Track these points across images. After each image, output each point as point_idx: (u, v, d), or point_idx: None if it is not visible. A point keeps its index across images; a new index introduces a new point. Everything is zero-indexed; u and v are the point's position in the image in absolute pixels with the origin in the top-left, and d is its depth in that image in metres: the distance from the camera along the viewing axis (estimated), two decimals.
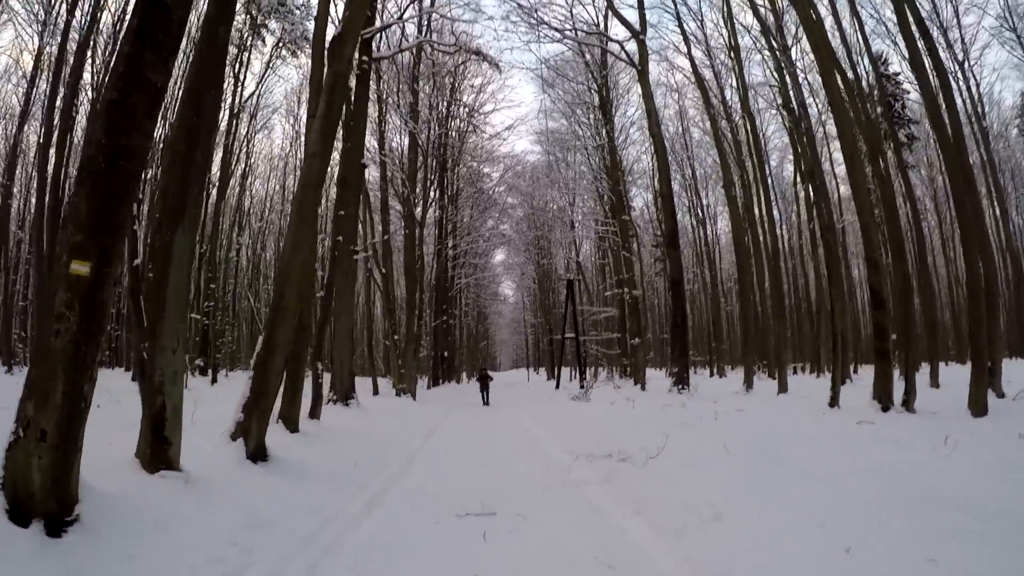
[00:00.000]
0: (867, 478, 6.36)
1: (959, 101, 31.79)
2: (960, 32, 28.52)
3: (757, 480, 6.39)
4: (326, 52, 8.15)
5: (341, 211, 13.43)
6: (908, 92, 35.65)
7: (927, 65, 15.00)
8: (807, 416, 13.00)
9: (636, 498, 6.05)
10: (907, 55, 28.70)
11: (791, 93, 23.48)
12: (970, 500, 5.38)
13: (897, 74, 33.37)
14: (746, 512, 5.27)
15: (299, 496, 5.95)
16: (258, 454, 6.75)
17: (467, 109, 36.10)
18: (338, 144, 14.49)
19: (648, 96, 23.22)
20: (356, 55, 15.68)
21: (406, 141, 29.22)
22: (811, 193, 33.97)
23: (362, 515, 5.62)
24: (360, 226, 26.24)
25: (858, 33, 23.74)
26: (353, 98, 16.24)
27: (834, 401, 14.25)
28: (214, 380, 26.38)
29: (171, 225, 5.49)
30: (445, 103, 34.38)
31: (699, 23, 29.77)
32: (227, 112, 33.19)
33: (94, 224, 3.90)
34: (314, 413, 11.05)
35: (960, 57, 27.97)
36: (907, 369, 13.73)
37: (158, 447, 5.36)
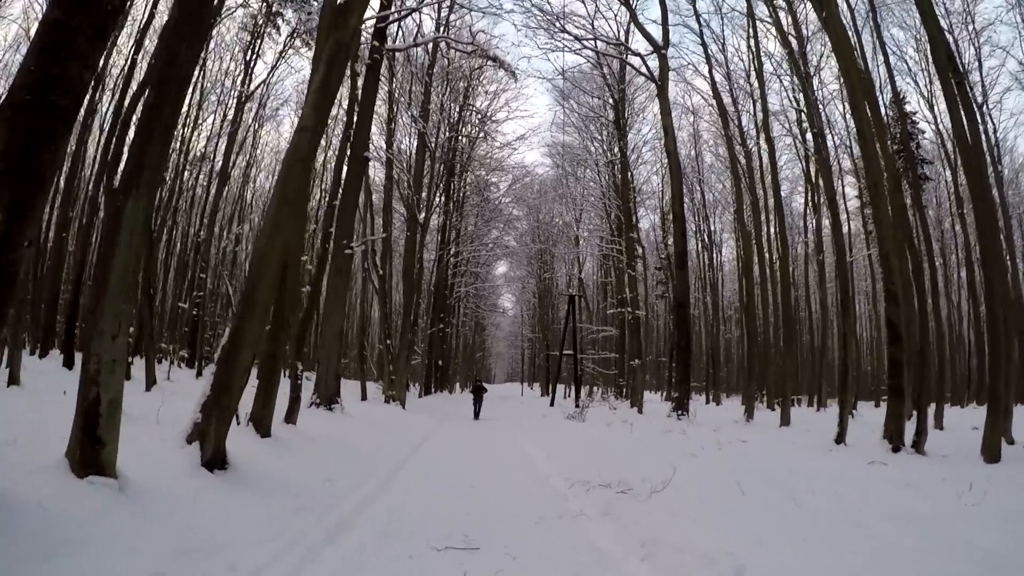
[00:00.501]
0: (897, 527, 5.65)
1: (984, 141, 31.39)
2: (981, 75, 28.16)
3: (776, 525, 5.62)
4: (329, 19, 7.42)
5: (335, 202, 12.65)
6: (923, 131, 35.25)
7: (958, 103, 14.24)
8: (815, 452, 12.35)
9: (641, 539, 5.25)
10: (923, 93, 28.36)
11: (811, 120, 22.77)
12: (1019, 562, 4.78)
13: (914, 112, 32.92)
14: (771, 566, 4.50)
15: (255, 516, 5.13)
16: (215, 461, 5.94)
17: (479, 115, 35.49)
18: (339, 131, 13.82)
19: (666, 112, 22.60)
20: (370, 41, 15.08)
21: (414, 144, 28.61)
22: (824, 223, 33.55)
23: (324, 543, 4.80)
24: (361, 225, 25.59)
25: (881, 67, 23.26)
26: (362, 87, 15.59)
27: (841, 438, 13.70)
28: (199, 373, 25.47)
29: (125, 189, 4.74)
30: (458, 107, 33.76)
31: (720, 46, 29.28)
32: (235, 100, 32.70)
33: (8, 168, 3.14)
34: (290, 417, 10.17)
35: (979, 100, 27.54)
36: (919, 409, 13.09)
37: (89, 448, 4.58)
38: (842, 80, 25.90)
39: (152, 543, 4.04)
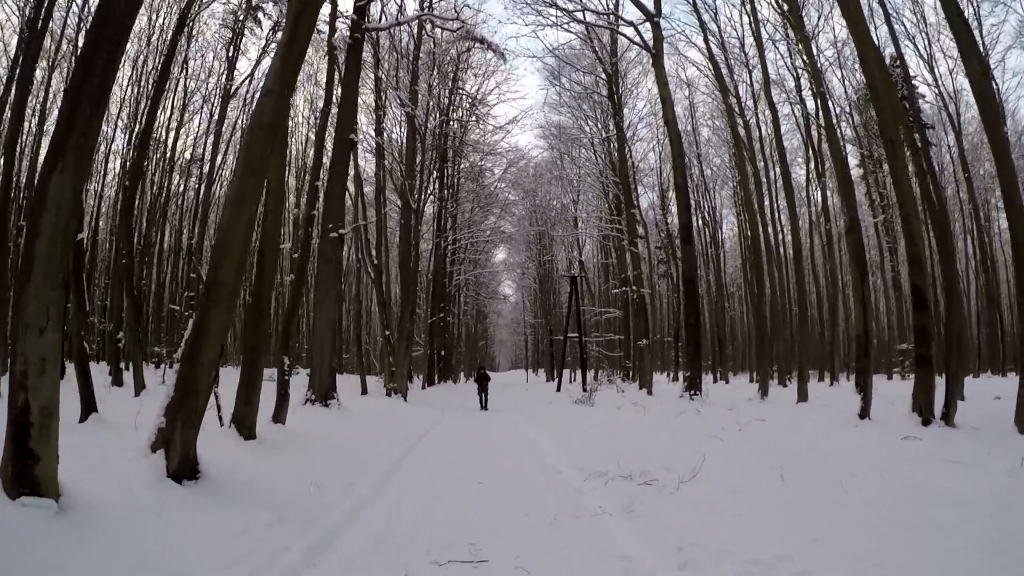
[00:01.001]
0: (959, 513, 4.94)
1: (978, 105, 30.78)
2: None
3: (828, 517, 4.89)
4: None
5: (316, 182, 11.83)
6: (923, 96, 34.43)
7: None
8: (841, 429, 11.65)
9: (676, 542, 4.53)
10: (922, 55, 27.65)
11: (815, 79, 21.89)
12: None
13: (914, 76, 32.14)
14: (838, 572, 3.77)
15: (224, 533, 4.38)
16: (183, 471, 5.19)
17: (469, 99, 34.63)
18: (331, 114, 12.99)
19: (663, 82, 21.73)
20: (351, 18, 14.28)
21: (405, 131, 27.84)
22: (828, 194, 32.80)
23: (304, 563, 4.07)
24: (351, 216, 24.84)
25: (881, 27, 22.38)
26: (344, 68, 14.79)
27: (865, 412, 12.87)
28: None
29: (51, 161, 4.00)
30: (447, 91, 32.88)
31: (712, 15, 28.41)
32: (219, 96, 31.88)
33: None
34: (278, 416, 9.36)
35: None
36: (949, 379, 12.33)
37: (21, 463, 3.85)
38: (846, 36, 25.18)
39: (89, 574, 3.33)
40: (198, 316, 5.45)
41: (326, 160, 14.05)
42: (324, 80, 18.81)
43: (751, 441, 9.41)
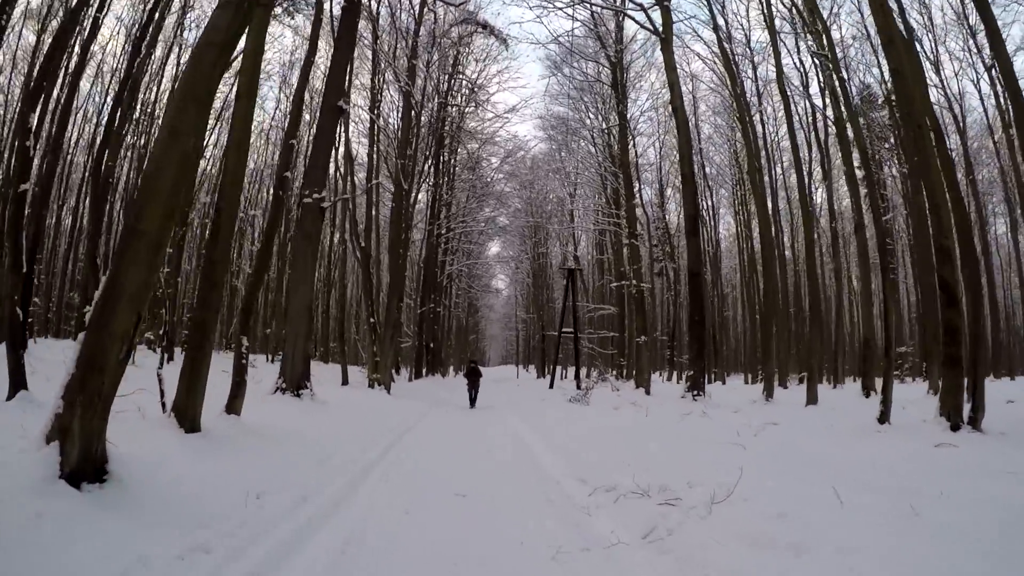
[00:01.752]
0: None
1: (992, 105, 30.26)
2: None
3: (924, 557, 3.73)
4: None
5: (292, 140, 10.60)
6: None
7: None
8: (863, 435, 10.62)
9: None
10: (928, 56, 26.89)
11: (834, 66, 20.78)
12: None
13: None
14: None
15: (111, 569, 3.17)
16: (84, 470, 3.97)
17: (469, 85, 33.48)
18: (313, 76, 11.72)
19: (671, 67, 20.65)
20: None
21: (400, 110, 26.69)
22: (835, 193, 31.87)
23: None
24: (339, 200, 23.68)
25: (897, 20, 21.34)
26: (337, 31, 13.56)
27: (884, 417, 11.92)
28: (170, 358, 23.29)
29: None
30: (446, 75, 31.69)
31: (720, 7, 27.48)
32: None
33: None
34: (232, 406, 8.09)
35: (988, 62, 26.55)
36: (976, 382, 11.38)
37: None
38: (855, 33, 24.21)
39: None
40: (111, 273, 4.22)
41: (310, 124, 12.89)
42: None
43: (774, 449, 8.31)
